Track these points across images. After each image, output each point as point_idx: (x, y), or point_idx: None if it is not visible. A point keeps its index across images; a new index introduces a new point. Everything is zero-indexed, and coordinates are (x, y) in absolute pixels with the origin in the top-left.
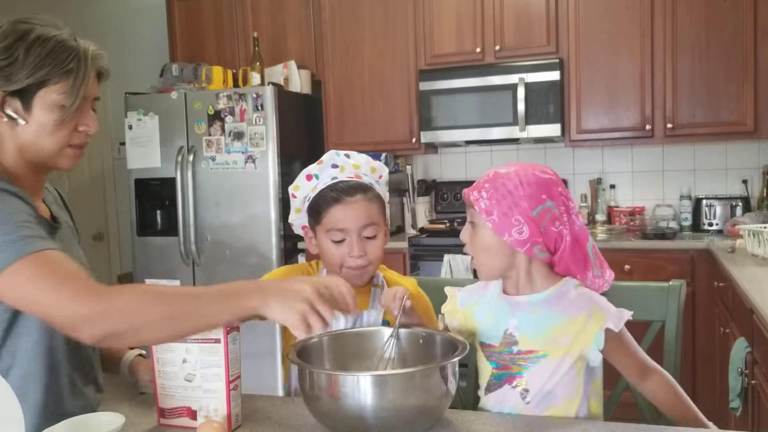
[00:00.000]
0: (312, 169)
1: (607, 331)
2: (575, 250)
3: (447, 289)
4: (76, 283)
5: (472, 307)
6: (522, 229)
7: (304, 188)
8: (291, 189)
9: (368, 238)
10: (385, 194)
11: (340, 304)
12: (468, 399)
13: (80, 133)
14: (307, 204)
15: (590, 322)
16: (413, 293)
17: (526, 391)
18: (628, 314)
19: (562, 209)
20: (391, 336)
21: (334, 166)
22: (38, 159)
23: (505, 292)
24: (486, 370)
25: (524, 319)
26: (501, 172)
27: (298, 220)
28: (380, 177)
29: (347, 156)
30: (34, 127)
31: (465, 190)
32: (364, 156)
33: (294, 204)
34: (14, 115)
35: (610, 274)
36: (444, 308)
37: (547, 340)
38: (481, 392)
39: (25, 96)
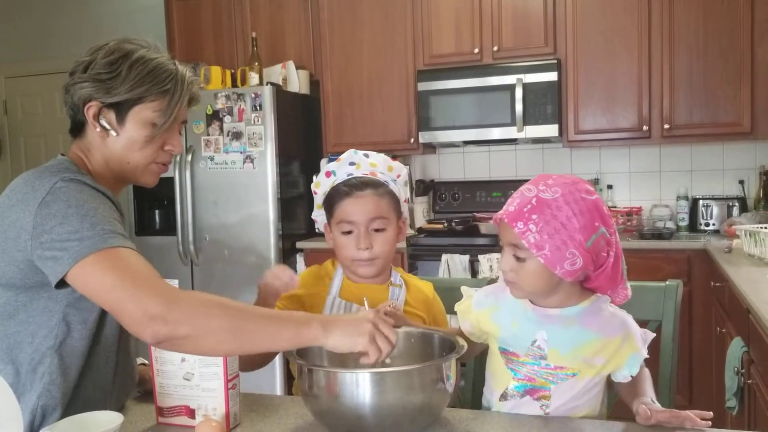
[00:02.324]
0: (331, 166)
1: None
2: (615, 269)
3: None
4: (148, 283)
5: (490, 310)
6: (575, 261)
7: (324, 184)
8: (312, 186)
9: (376, 231)
10: (401, 192)
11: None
12: (466, 398)
13: (165, 152)
14: (323, 199)
15: (624, 346)
16: (429, 297)
17: (547, 403)
18: (651, 335)
19: (611, 230)
20: None
21: (351, 163)
22: (122, 171)
23: (531, 301)
24: (504, 376)
25: (555, 332)
26: (546, 199)
27: (320, 216)
28: (398, 176)
29: (366, 155)
30: (124, 140)
31: (502, 217)
32: (382, 156)
33: (316, 200)
34: (107, 126)
35: (629, 290)
36: (457, 307)
37: (578, 359)
38: (492, 395)
39: (121, 109)
